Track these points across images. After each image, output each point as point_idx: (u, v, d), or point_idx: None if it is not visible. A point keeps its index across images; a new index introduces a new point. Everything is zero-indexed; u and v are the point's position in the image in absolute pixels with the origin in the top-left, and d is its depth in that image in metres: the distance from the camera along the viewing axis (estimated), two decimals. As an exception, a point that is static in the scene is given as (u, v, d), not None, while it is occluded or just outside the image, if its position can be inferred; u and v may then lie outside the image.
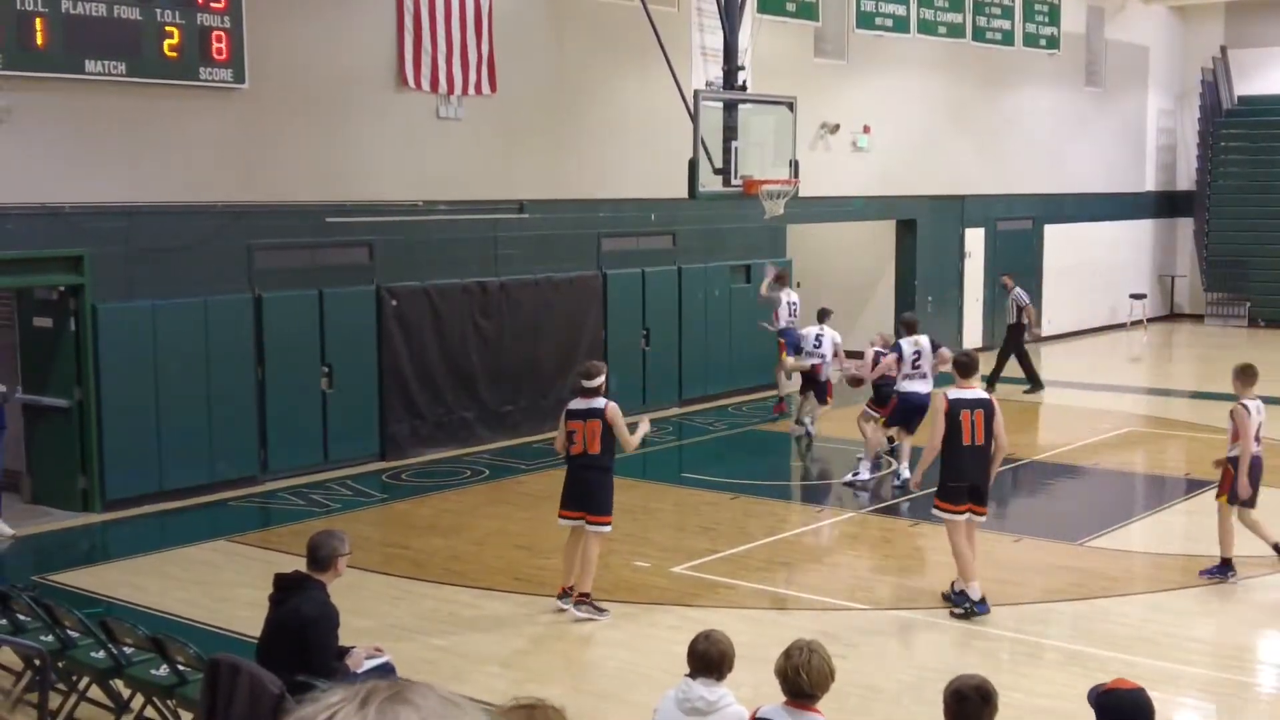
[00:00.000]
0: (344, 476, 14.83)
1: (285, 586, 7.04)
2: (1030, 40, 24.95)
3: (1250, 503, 10.65)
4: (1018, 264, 26.67)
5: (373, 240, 15.49)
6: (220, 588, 10.86)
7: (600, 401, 9.90)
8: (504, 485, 14.65)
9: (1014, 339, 20.83)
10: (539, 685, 8.73)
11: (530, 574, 11.17)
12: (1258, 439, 10.61)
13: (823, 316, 16.76)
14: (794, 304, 18.23)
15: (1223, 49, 31.41)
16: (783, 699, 5.43)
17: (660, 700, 5.77)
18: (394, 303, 15.52)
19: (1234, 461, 10.55)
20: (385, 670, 7.33)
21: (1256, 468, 10.63)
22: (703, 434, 17.95)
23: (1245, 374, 10.74)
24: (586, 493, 9.91)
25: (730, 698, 5.59)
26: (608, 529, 10.01)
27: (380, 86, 15.46)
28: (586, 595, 9.95)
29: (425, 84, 15.66)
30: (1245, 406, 10.58)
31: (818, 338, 16.50)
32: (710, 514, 13.36)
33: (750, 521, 13.05)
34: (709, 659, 5.63)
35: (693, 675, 5.67)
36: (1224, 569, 10.62)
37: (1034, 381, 20.71)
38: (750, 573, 11.34)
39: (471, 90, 16.14)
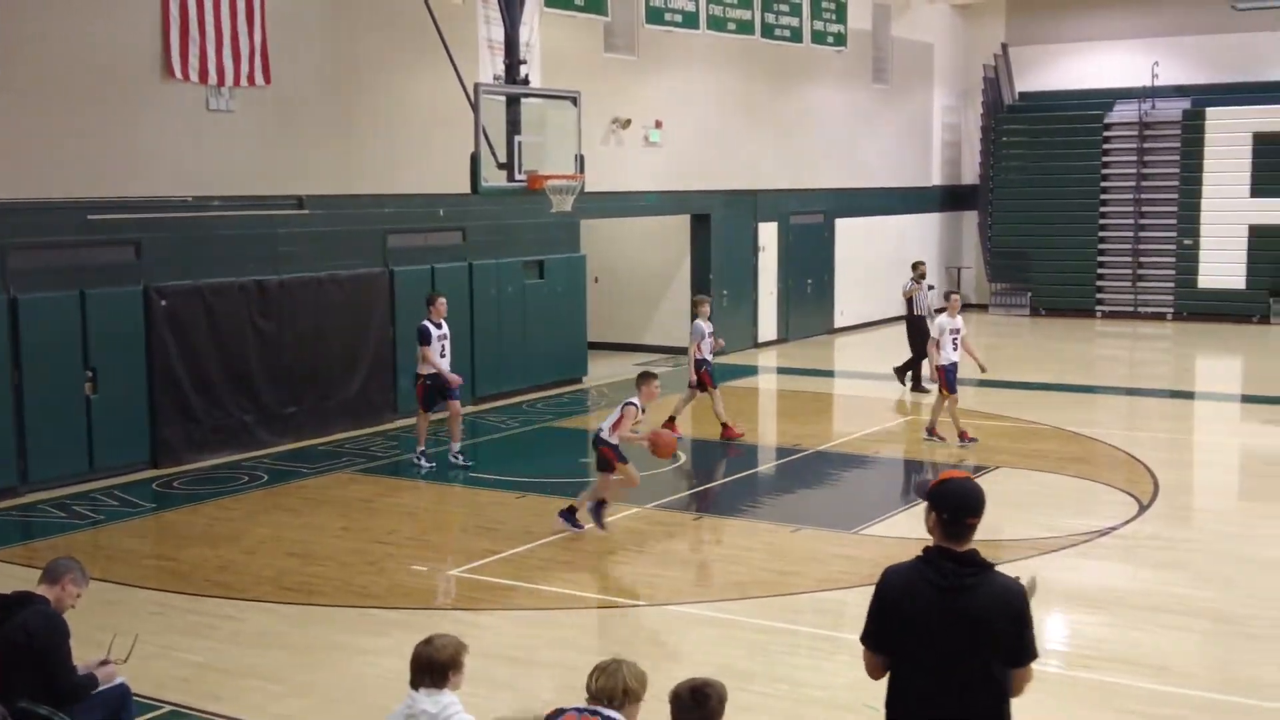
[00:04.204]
0: (111, 486, 14.16)
1: (6, 605, 6.61)
2: (818, 37, 25.42)
3: None
4: (810, 257, 27.20)
5: (140, 238, 14.82)
6: (-36, 609, 10.20)
7: None
8: (283, 490, 14.17)
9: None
10: (302, 699, 8.43)
11: (299, 583, 10.79)
12: None
13: None
14: (957, 331, 16.42)
15: (1004, 46, 32.55)
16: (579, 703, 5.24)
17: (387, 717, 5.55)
18: (163, 303, 14.88)
19: None
20: (119, 692, 6.94)
21: None
22: (495, 432, 17.73)
23: None
24: None
25: (457, 705, 5.40)
26: None
27: (145, 77, 14.81)
28: None
29: (194, 75, 15.06)
30: None
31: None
32: (494, 514, 13.16)
33: (535, 520, 12.88)
34: (427, 664, 5.44)
35: (415, 683, 5.46)
36: None
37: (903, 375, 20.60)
38: (531, 573, 11.18)
39: (244, 81, 15.58)
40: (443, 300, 15.11)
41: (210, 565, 11.33)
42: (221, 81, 15.35)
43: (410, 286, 17.99)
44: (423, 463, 14.99)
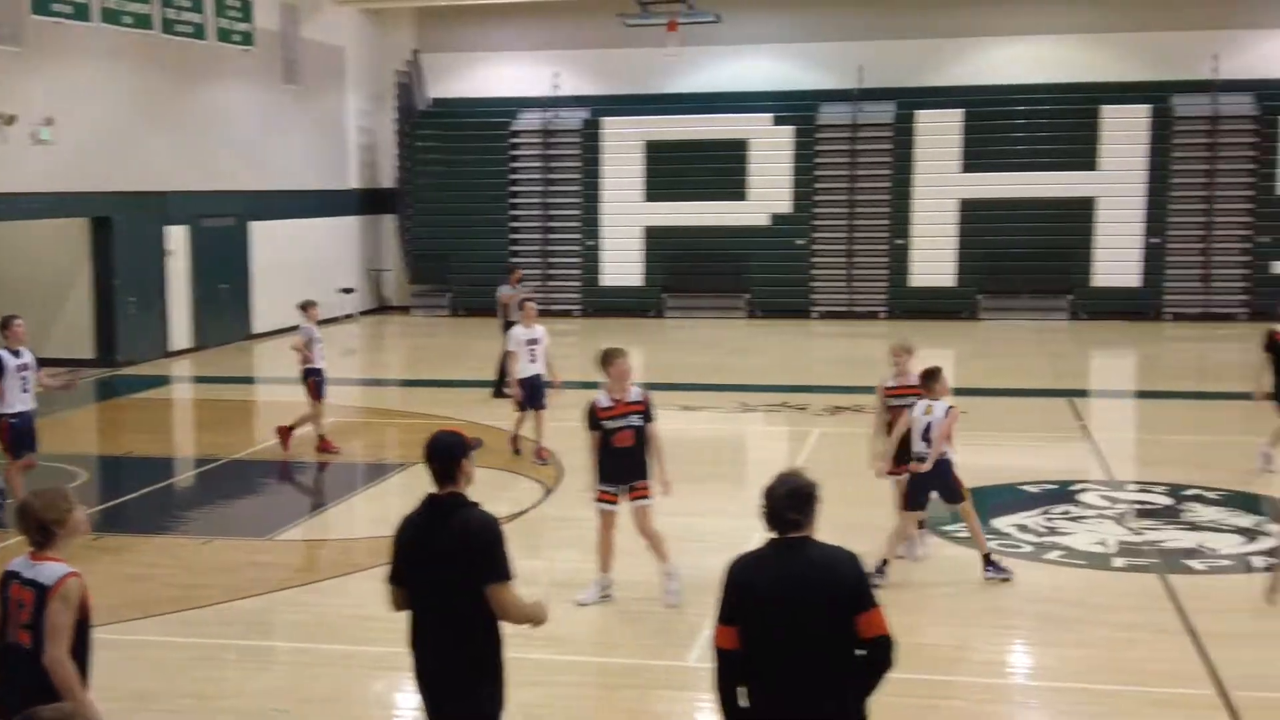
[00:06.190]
0: None
1: None
2: (224, 35, 24.83)
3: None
4: (225, 261, 26.45)
5: None
6: None
7: None
8: None
9: None
10: None
11: None
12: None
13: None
14: (535, 341, 14.89)
15: (415, 53, 33.17)
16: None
17: None
18: None
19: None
20: None
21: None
22: None
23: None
24: None
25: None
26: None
27: None
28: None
29: None
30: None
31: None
32: None
33: None
34: None
35: None
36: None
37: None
38: None
39: None
40: (20, 323, 12.21)
41: None
42: None
43: None
44: None
